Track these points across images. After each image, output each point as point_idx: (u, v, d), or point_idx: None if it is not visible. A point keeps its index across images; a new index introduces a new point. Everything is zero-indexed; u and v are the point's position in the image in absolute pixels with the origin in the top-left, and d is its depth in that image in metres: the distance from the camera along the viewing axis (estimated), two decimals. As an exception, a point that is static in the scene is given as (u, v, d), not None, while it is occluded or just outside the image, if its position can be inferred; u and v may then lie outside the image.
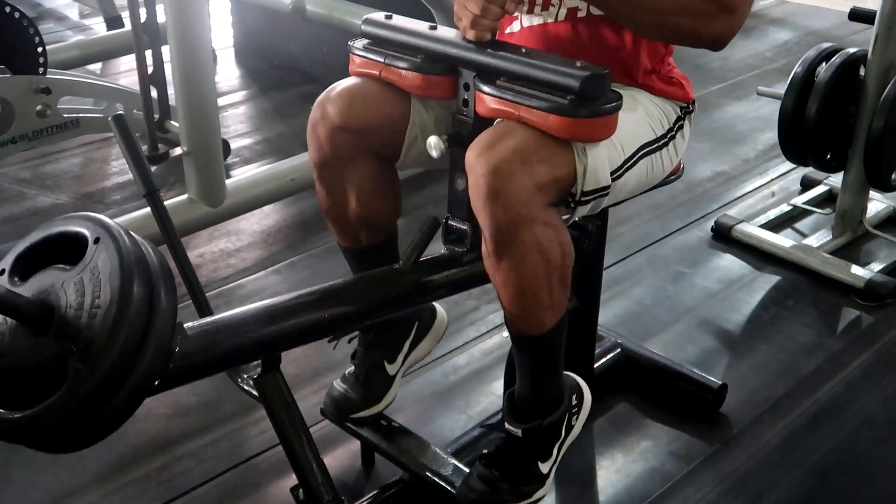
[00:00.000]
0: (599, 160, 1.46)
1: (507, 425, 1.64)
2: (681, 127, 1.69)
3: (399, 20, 1.60)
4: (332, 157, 1.61)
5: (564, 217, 1.50)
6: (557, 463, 1.68)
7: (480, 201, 1.40)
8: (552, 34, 1.61)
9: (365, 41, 1.62)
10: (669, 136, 1.66)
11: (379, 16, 1.62)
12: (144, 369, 1.12)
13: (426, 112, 1.62)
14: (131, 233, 1.20)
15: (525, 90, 1.42)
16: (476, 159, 1.40)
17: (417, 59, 1.54)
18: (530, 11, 1.64)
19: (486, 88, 1.46)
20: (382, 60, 1.57)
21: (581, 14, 1.59)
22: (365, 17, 1.62)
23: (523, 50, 1.47)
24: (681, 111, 1.70)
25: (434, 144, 1.51)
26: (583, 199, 1.47)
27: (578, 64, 1.40)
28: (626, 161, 1.55)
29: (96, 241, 1.15)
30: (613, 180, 1.51)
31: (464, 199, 1.55)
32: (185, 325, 1.29)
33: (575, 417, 1.72)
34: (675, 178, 1.82)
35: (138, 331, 1.11)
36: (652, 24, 1.50)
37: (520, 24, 1.65)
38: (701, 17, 1.47)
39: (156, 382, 1.18)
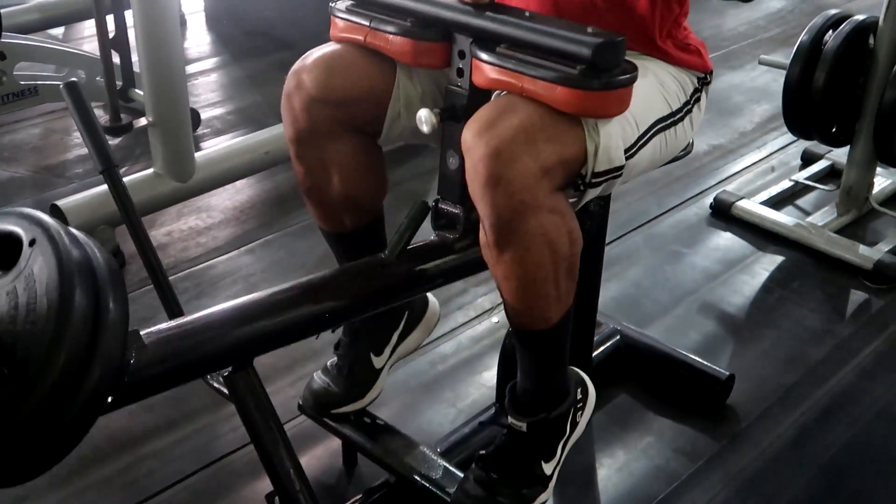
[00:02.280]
0: (613, 137, 1.30)
1: (509, 419, 1.50)
2: (698, 99, 1.54)
3: None
4: (309, 131, 1.45)
5: (571, 201, 1.35)
6: (561, 463, 1.54)
7: (479, 187, 1.24)
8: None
9: (348, 2, 1.45)
10: (685, 109, 1.51)
11: None
12: (91, 390, 0.96)
13: (412, 84, 1.46)
14: (74, 231, 1.03)
15: (529, 59, 1.26)
16: (474, 140, 1.24)
17: (407, 22, 1.37)
18: None
19: (484, 56, 1.30)
20: (368, 24, 1.40)
21: None
22: None
23: (527, 14, 1.30)
24: (698, 82, 1.54)
25: (425, 118, 1.34)
26: (593, 180, 1.31)
27: (590, 30, 1.24)
28: (639, 138, 1.39)
29: (32, 242, 0.98)
30: (627, 159, 1.35)
31: (456, 179, 1.39)
32: (143, 333, 1.12)
33: (580, 413, 1.58)
34: (685, 154, 1.67)
35: (82, 347, 0.95)
36: None
37: None
38: None
39: (108, 400, 1.02)
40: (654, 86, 1.45)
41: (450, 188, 1.43)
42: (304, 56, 1.46)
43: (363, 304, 1.42)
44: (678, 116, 1.49)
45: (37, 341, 0.92)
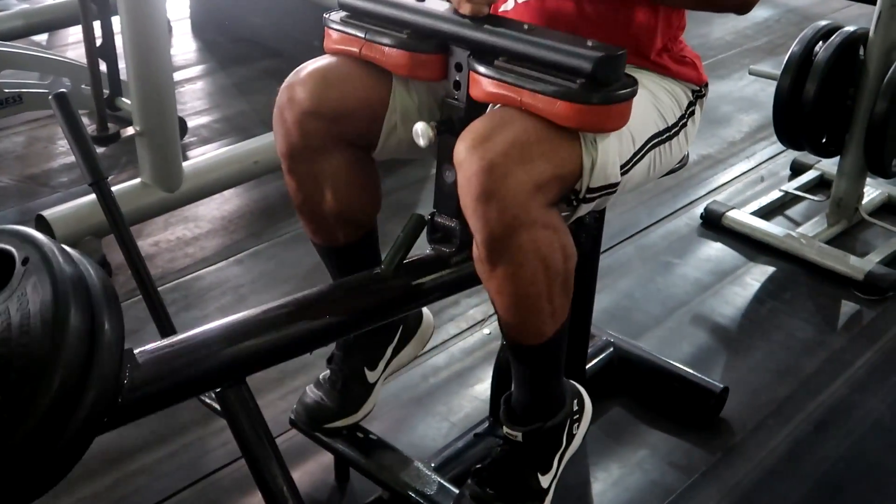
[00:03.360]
0: (610, 153, 1.29)
1: (505, 429, 1.49)
2: (692, 113, 1.54)
3: None
4: (302, 146, 1.43)
5: (564, 214, 1.33)
6: (558, 477, 1.52)
7: (471, 202, 1.22)
8: (552, 10, 1.44)
9: (343, 14, 1.43)
10: (681, 123, 1.50)
11: None
12: (87, 411, 0.94)
13: (409, 96, 1.44)
14: (67, 249, 1.01)
15: (528, 72, 1.24)
16: (467, 153, 1.22)
17: (403, 34, 1.35)
18: None
19: (482, 69, 1.28)
20: (363, 36, 1.38)
21: None
22: None
23: (525, 26, 1.29)
24: (693, 95, 1.54)
25: (422, 132, 1.32)
26: (587, 196, 1.30)
27: (590, 43, 1.22)
28: (636, 153, 1.38)
29: (25, 261, 0.96)
30: (626, 170, 1.34)
31: (452, 193, 1.37)
32: (137, 352, 1.10)
33: (576, 426, 1.57)
34: (681, 167, 1.66)
35: (77, 368, 0.92)
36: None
37: (514, 1, 1.47)
38: None
39: (103, 420, 1.00)
40: (650, 100, 1.44)
41: (446, 202, 1.41)
42: (297, 69, 1.43)
43: (359, 320, 1.40)
44: (673, 131, 1.48)
45: (31, 363, 0.90)
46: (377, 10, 1.39)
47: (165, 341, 1.17)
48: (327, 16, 1.44)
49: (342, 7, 1.43)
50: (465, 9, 1.30)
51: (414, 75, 1.38)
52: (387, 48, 1.36)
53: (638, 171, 1.40)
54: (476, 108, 1.33)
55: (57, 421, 0.92)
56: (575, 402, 1.57)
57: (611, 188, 1.32)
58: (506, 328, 1.38)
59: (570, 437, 1.55)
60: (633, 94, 1.25)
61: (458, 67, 1.34)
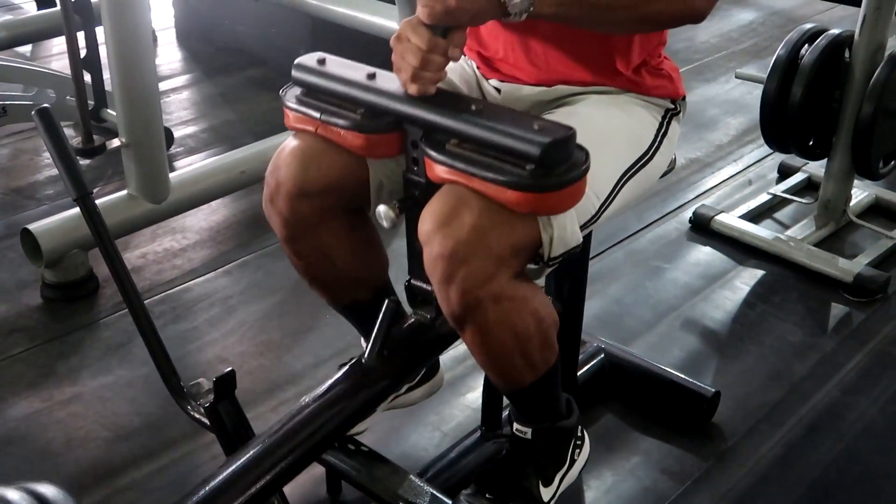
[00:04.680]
0: (567, 225, 1.27)
1: (515, 426, 1.51)
2: (665, 134, 1.51)
3: (333, 65, 1.37)
4: (299, 226, 1.43)
5: (532, 268, 1.32)
6: (556, 497, 1.52)
7: (436, 283, 1.25)
8: (530, 27, 1.43)
9: (297, 91, 1.40)
10: (653, 149, 1.49)
11: (311, 59, 1.38)
12: None
13: (381, 164, 1.42)
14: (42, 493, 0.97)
15: (478, 158, 1.22)
16: (429, 236, 1.23)
17: (357, 115, 1.32)
18: None
19: (434, 154, 1.25)
20: (318, 116, 1.35)
21: None
22: (296, 61, 1.40)
23: (473, 106, 1.26)
24: (665, 115, 1.52)
25: (384, 214, 1.31)
26: (551, 262, 1.29)
27: (536, 126, 1.19)
28: (603, 203, 1.39)
29: None
30: (591, 223, 1.37)
31: None
32: None
33: (578, 451, 1.59)
34: (670, 171, 1.65)
35: None
36: (627, 21, 1.32)
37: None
38: None
39: None
40: (620, 133, 1.43)
41: (420, 269, 1.36)
42: (275, 155, 1.42)
43: (356, 416, 1.41)
44: (647, 157, 1.47)
45: None
46: (329, 87, 1.36)
47: None
48: (283, 93, 1.41)
49: (295, 83, 1.40)
50: (413, 90, 1.26)
51: (372, 155, 1.36)
52: (342, 130, 1.33)
53: (614, 207, 1.42)
54: (436, 184, 1.29)
55: None
56: (578, 427, 1.58)
57: (574, 248, 1.31)
58: (486, 375, 1.43)
59: (572, 460, 1.55)
60: (586, 171, 1.22)
61: (414, 145, 1.31)
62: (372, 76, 1.34)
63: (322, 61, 1.38)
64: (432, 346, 1.49)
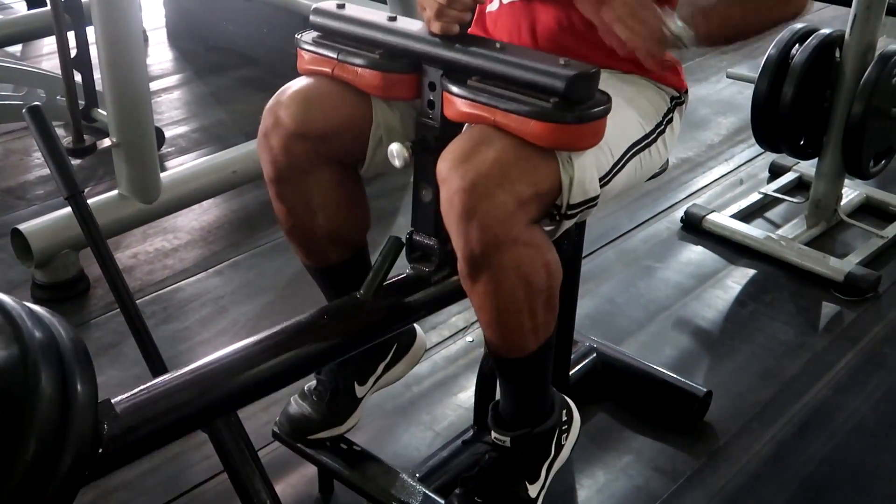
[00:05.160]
0: (587, 169, 1.28)
1: (493, 435, 1.49)
2: (670, 120, 1.53)
3: (353, 9, 1.39)
4: (289, 168, 1.41)
5: (548, 229, 1.33)
6: (546, 488, 1.52)
7: (454, 221, 1.23)
8: (538, 13, 1.43)
9: (315, 34, 1.41)
10: (658, 131, 1.49)
11: (330, 4, 1.40)
12: (64, 475, 0.92)
13: (391, 111, 1.43)
14: (37, 310, 0.99)
15: (501, 91, 1.23)
16: (449, 172, 1.22)
17: (375, 54, 1.33)
18: None
19: (455, 89, 1.27)
20: (335, 56, 1.36)
21: None
22: (314, 6, 1.41)
23: (497, 45, 1.27)
24: (671, 102, 1.53)
25: (397, 153, 1.31)
26: (569, 212, 1.29)
27: (562, 61, 1.21)
28: (614, 164, 1.38)
29: None
30: (605, 182, 1.34)
31: (430, 211, 1.36)
32: (115, 401, 1.08)
33: (565, 436, 1.57)
34: (662, 172, 1.66)
35: (51, 433, 0.91)
36: (755, 31, 1.39)
37: (499, 2, 1.47)
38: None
39: (85, 475, 0.98)
40: (630, 107, 1.43)
41: (424, 220, 1.39)
42: (278, 92, 1.42)
43: (343, 347, 1.38)
44: (652, 138, 1.47)
45: (2, 432, 0.88)
46: (348, 30, 1.37)
47: (145, 386, 1.15)
48: (299, 36, 1.42)
49: (313, 27, 1.41)
50: (436, 27, 1.28)
51: (388, 95, 1.37)
52: (359, 69, 1.34)
53: (619, 180, 1.40)
54: (451, 127, 1.31)
55: (34, 486, 0.90)
56: (563, 412, 1.57)
57: (591, 202, 1.31)
58: (489, 342, 1.39)
59: (559, 447, 1.55)
60: (608, 111, 1.24)
61: (432, 87, 1.32)
62: (392, 19, 1.35)
63: (341, 5, 1.39)
64: (426, 303, 1.45)
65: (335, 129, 1.39)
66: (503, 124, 1.22)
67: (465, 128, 1.30)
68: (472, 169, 1.19)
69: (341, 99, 1.38)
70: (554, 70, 1.20)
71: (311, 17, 1.40)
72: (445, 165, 1.22)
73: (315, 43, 1.39)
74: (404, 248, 1.39)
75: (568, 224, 1.33)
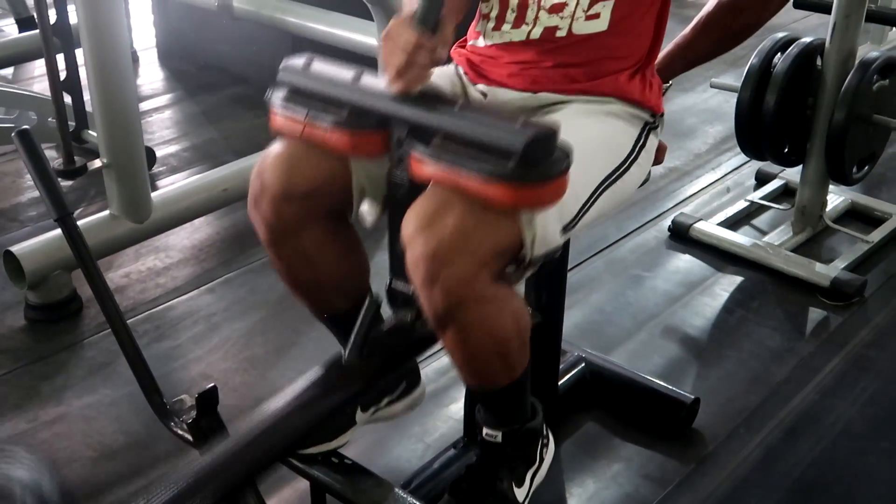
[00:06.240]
0: (549, 224, 1.30)
1: (485, 431, 1.52)
2: (643, 145, 1.54)
3: (320, 67, 1.39)
4: (282, 230, 1.44)
5: (513, 273, 1.34)
6: (529, 496, 1.54)
7: (419, 283, 1.26)
8: (523, 52, 1.46)
9: (284, 93, 1.41)
10: (630, 159, 1.51)
11: (297, 62, 1.40)
12: None
13: (367, 165, 1.43)
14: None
15: (464, 151, 1.24)
16: (412, 237, 1.24)
17: (342, 113, 1.33)
18: (497, 29, 1.49)
19: (419, 149, 1.27)
20: (304, 117, 1.36)
21: (560, 33, 1.46)
22: (282, 64, 1.41)
23: (457, 105, 1.29)
24: (644, 126, 1.55)
25: (366, 213, 1.36)
26: (532, 262, 1.32)
27: (519, 122, 1.22)
28: (582, 207, 1.41)
29: None
30: (571, 227, 1.38)
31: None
32: None
33: (545, 449, 1.59)
34: (644, 183, 1.68)
35: None
36: (729, 47, 1.69)
37: (483, 42, 1.49)
38: (758, 7, 1.63)
39: None
40: (601, 139, 1.46)
41: (401, 269, 1.37)
42: (261, 157, 1.44)
43: (336, 412, 1.43)
44: (624, 167, 1.49)
45: None
46: (315, 89, 1.37)
47: None
48: (269, 93, 1.42)
49: (282, 85, 1.41)
50: (396, 87, 1.28)
51: (357, 153, 1.37)
52: (328, 129, 1.34)
53: (591, 215, 1.44)
54: (419, 184, 1.31)
55: None
56: (543, 426, 1.60)
57: (554, 251, 1.34)
58: (463, 378, 1.45)
59: (541, 458, 1.57)
60: (568, 166, 1.24)
61: (399, 143, 1.32)
62: (358, 77, 1.36)
63: (308, 63, 1.40)
64: (411, 349, 1.48)
65: (319, 186, 1.41)
66: (465, 187, 1.22)
67: (430, 184, 1.29)
68: (433, 236, 1.22)
69: (320, 157, 1.39)
70: (511, 131, 1.20)
71: (280, 75, 1.40)
72: (409, 229, 1.25)
73: (284, 102, 1.39)
74: (385, 297, 1.41)
75: (531, 271, 1.35)
